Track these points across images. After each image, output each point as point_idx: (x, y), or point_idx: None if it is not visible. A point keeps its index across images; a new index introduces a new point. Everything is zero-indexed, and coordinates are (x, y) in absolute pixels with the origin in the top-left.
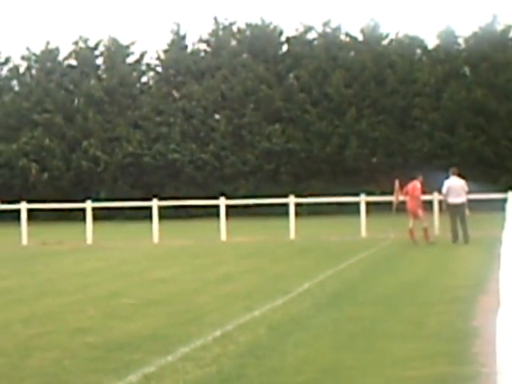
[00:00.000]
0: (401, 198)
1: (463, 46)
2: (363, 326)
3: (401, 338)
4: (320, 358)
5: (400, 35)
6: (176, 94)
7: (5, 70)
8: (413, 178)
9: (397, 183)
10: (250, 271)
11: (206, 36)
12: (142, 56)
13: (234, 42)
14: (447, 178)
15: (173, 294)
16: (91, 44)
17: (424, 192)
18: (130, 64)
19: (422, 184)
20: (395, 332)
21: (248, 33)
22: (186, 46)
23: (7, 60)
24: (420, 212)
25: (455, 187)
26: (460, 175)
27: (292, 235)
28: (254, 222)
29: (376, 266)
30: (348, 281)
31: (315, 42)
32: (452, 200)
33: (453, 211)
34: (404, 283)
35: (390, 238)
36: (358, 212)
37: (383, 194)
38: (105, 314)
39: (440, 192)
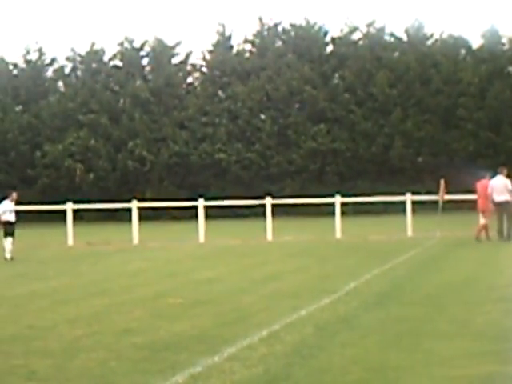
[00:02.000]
0: (446, 197)
1: (507, 45)
2: (410, 326)
3: (448, 338)
4: (367, 357)
5: (444, 35)
6: (221, 95)
7: (50, 71)
8: (481, 178)
9: (442, 183)
10: (296, 270)
11: (251, 37)
12: (187, 56)
13: (278, 43)
14: (493, 177)
15: (219, 293)
16: (137, 45)
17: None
18: (175, 64)
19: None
20: (442, 331)
21: (293, 33)
22: (232, 47)
23: (53, 61)
24: (489, 211)
25: (497, 186)
26: (509, 175)
27: (338, 234)
28: (300, 222)
29: (422, 265)
30: (395, 280)
31: (360, 43)
32: (495, 198)
33: (498, 209)
34: (450, 282)
35: (436, 237)
36: (403, 211)
37: (429, 193)
38: (151, 315)
39: None
